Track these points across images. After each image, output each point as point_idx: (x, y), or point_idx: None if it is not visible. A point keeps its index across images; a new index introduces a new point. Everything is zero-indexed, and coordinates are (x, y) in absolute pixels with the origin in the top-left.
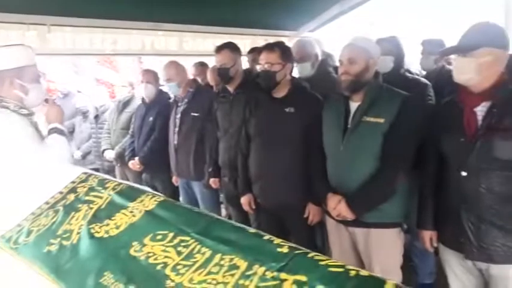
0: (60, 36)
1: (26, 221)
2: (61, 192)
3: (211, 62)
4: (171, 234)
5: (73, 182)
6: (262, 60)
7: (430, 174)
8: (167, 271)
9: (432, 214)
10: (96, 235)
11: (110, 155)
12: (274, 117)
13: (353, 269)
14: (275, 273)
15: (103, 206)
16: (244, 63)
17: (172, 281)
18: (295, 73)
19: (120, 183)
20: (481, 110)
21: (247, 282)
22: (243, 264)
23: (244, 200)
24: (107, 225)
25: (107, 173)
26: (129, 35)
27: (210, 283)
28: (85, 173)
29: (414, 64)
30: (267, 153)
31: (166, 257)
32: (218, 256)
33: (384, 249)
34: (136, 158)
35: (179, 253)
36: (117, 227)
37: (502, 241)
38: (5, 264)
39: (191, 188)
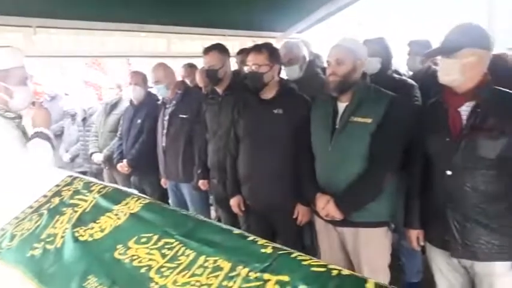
0: (47, 38)
1: (9, 225)
2: (45, 196)
3: (200, 63)
4: (155, 237)
5: (58, 186)
6: (249, 62)
7: (416, 174)
8: (151, 274)
9: (418, 213)
10: (81, 238)
11: (98, 158)
12: (263, 118)
13: (335, 269)
14: (258, 274)
15: (88, 209)
16: (233, 64)
17: (156, 283)
18: (284, 76)
19: (106, 186)
20: (465, 110)
21: (230, 284)
22: (226, 266)
23: (234, 202)
24: (92, 228)
25: (95, 176)
26: (117, 36)
27: (193, 285)
28: (70, 176)
29: (403, 65)
30: (255, 154)
31: (150, 259)
32: (202, 258)
33: (372, 249)
34: (125, 161)
35: (163, 255)
36: (102, 230)
37: (487, 239)
38: None
39: (180, 190)
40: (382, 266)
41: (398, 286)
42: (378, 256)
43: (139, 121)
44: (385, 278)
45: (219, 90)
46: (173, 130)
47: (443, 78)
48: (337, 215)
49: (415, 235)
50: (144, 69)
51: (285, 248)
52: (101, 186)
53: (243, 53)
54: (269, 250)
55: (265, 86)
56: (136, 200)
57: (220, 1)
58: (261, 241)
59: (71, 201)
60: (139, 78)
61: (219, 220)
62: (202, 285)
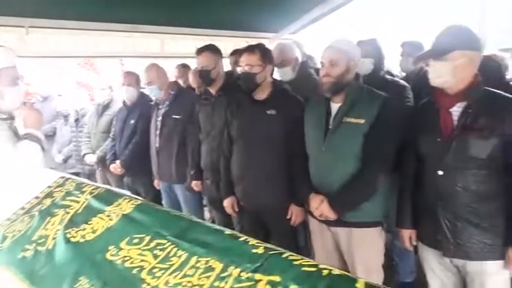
0: (40, 38)
1: (1, 227)
2: (37, 197)
3: (194, 64)
4: (147, 238)
5: (49, 187)
6: (242, 62)
7: (409, 174)
8: (143, 275)
9: (411, 213)
10: (72, 240)
11: (91, 159)
12: (256, 119)
13: (326, 268)
14: (250, 274)
15: (80, 211)
16: (227, 65)
17: (148, 284)
18: (277, 77)
19: (98, 187)
20: (456, 110)
21: (222, 284)
22: (218, 266)
23: (227, 203)
24: (84, 229)
25: (88, 177)
26: (110, 37)
27: (185, 286)
28: (62, 177)
29: (396, 66)
30: (249, 155)
31: (142, 260)
32: (194, 259)
33: (366, 249)
34: (118, 162)
35: (155, 256)
36: (94, 231)
37: (478, 238)
38: None
39: (173, 191)
40: (376, 266)
41: (391, 286)
42: (372, 256)
43: (132, 122)
44: (378, 277)
45: (212, 90)
46: (166, 131)
47: (435, 80)
48: (331, 215)
49: (407, 235)
50: (137, 70)
51: (276, 248)
52: (93, 187)
53: (236, 53)
54: (260, 250)
55: (258, 87)
56: (129, 201)
57: (214, 2)
58: (252, 241)
59: (63, 203)
60: (132, 78)
61: (213, 221)
62: (194, 285)
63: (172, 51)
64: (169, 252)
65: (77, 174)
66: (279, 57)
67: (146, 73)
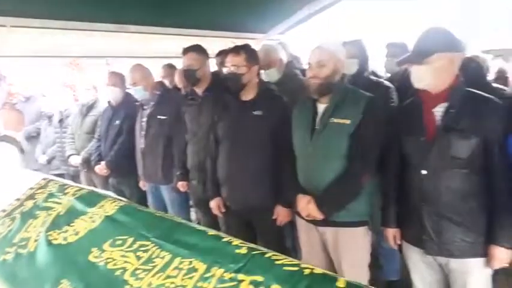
0: (23, 38)
1: None
2: (18, 199)
3: (181, 64)
4: (130, 239)
5: (32, 188)
6: (228, 63)
7: (392, 173)
8: (126, 276)
9: (395, 212)
10: (54, 242)
11: (76, 160)
12: (242, 120)
13: (307, 268)
14: (233, 275)
15: (62, 212)
16: (214, 66)
17: (131, 286)
18: (263, 79)
19: (81, 189)
20: (438, 110)
21: (205, 285)
22: (201, 267)
23: (214, 204)
24: (66, 231)
25: (72, 178)
26: (95, 37)
27: (168, 287)
28: (45, 179)
29: (382, 67)
30: (235, 156)
31: (125, 262)
32: (177, 260)
33: (352, 248)
34: (103, 163)
35: (139, 258)
36: (76, 234)
37: (461, 236)
38: None
39: (159, 192)
40: (363, 265)
41: (377, 285)
42: (358, 255)
43: (117, 122)
44: (365, 277)
45: (199, 91)
46: (152, 131)
47: (417, 84)
48: (318, 215)
49: (391, 234)
50: (123, 70)
51: (259, 248)
52: (76, 188)
53: (222, 54)
54: (243, 250)
55: (244, 87)
56: (112, 203)
57: (202, 2)
58: (235, 242)
59: (45, 204)
60: (118, 79)
61: (199, 222)
62: (177, 286)
63: (159, 51)
64: (152, 254)
65: (61, 175)
66: (264, 59)
67: (131, 73)
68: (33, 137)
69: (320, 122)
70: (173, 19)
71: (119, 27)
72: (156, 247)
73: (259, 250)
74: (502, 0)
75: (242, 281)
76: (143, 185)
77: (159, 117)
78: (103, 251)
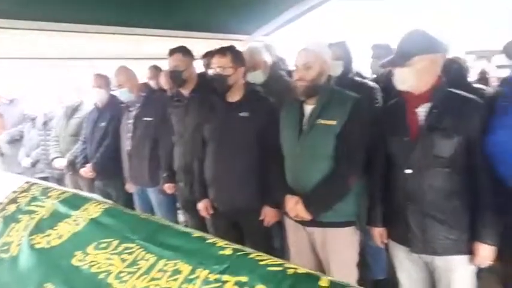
0: (6, 39)
1: None
2: (1, 203)
3: (167, 65)
4: (115, 242)
5: (14, 192)
6: (214, 65)
7: (378, 173)
8: (110, 279)
9: (381, 212)
10: (37, 246)
11: (61, 163)
12: (229, 121)
13: (291, 267)
14: (218, 276)
15: (46, 216)
16: (200, 67)
17: None
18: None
19: (65, 192)
20: (421, 110)
21: (190, 286)
22: (186, 269)
23: (201, 206)
24: (49, 235)
25: (57, 181)
26: (80, 38)
27: None
28: (27, 182)
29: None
30: (221, 157)
31: (110, 265)
32: (162, 262)
33: (341, 248)
34: (88, 165)
35: (123, 260)
36: (60, 237)
37: (445, 234)
38: None
39: (146, 195)
40: (351, 264)
41: (364, 284)
42: (346, 255)
43: (103, 124)
44: (353, 276)
45: (185, 92)
46: (138, 133)
47: (400, 86)
48: (306, 216)
49: (378, 233)
50: (108, 72)
51: (243, 248)
52: (60, 191)
53: (209, 55)
54: (228, 252)
55: (230, 89)
56: (97, 205)
57: (187, 3)
58: (220, 243)
59: (28, 208)
60: (103, 80)
61: (187, 224)
62: None
63: (144, 52)
64: (137, 256)
65: (45, 178)
66: (248, 61)
67: (116, 76)
68: (17, 140)
69: (307, 123)
70: (159, 20)
71: (105, 29)
72: (141, 249)
73: (244, 251)
74: (485, 2)
75: (227, 281)
76: (129, 187)
77: (145, 119)
78: (87, 254)
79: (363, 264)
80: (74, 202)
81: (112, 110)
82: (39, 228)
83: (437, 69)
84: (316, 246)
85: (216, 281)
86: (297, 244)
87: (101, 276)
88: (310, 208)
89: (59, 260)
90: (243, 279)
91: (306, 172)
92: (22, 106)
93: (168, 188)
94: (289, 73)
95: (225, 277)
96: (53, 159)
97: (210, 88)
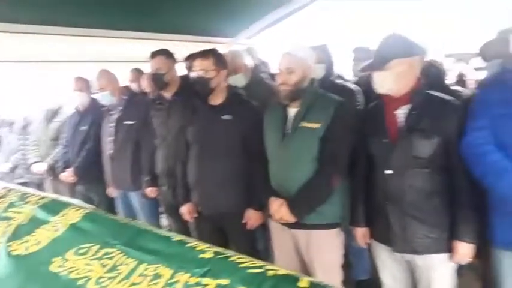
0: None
1: None
2: None
3: (148, 69)
4: (95, 247)
5: None
6: (196, 67)
7: (360, 174)
8: (89, 285)
9: (363, 212)
10: (14, 253)
11: (39, 168)
12: (212, 124)
13: (271, 269)
14: (198, 279)
15: (24, 222)
16: (182, 70)
17: None
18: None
19: (44, 197)
20: (400, 112)
21: None
22: (167, 273)
23: (184, 209)
24: (27, 241)
25: (37, 186)
26: (60, 41)
27: None
28: (5, 188)
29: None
30: (205, 160)
31: (89, 270)
32: (143, 266)
33: (325, 250)
34: (69, 170)
35: (103, 266)
36: (38, 243)
37: (425, 233)
38: None
39: (129, 199)
40: (335, 266)
41: (348, 284)
42: (331, 257)
43: (84, 128)
44: (337, 277)
45: (167, 95)
46: (120, 137)
47: (379, 89)
48: (290, 219)
49: (360, 233)
50: (88, 75)
51: (225, 251)
52: (39, 197)
53: (191, 58)
54: (208, 255)
55: (212, 92)
56: (77, 210)
57: (169, 6)
58: (200, 246)
59: (5, 214)
60: (83, 84)
61: (171, 229)
62: None
63: (126, 55)
64: (117, 261)
65: (25, 184)
66: (229, 65)
67: (97, 79)
68: None
69: (291, 126)
70: (139, 23)
71: (86, 32)
72: (122, 254)
73: (224, 254)
74: (463, 6)
75: (207, 285)
76: (111, 191)
77: (127, 122)
78: (66, 260)
79: (346, 265)
80: (53, 207)
81: (93, 113)
82: (16, 234)
83: (415, 72)
84: (301, 248)
85: (197, 284)
86: (282, 246)
87: (80, 282)
88: (294, 211)
89: (37, 267)
90: (224, 282)
91: (290, 175)
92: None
93: (151, 191)
94: (272, 76)
95: (205, 280)
96: (31, 164)
97: (192, 91)
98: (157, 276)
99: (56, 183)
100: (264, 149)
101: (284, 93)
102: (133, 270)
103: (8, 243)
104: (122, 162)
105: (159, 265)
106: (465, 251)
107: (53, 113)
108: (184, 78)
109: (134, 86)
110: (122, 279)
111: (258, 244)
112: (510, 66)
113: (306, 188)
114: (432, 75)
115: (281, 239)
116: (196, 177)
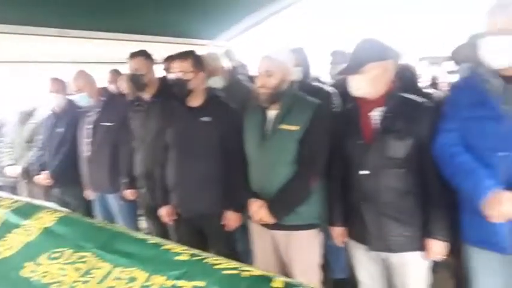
0: None
1: None
2: None
3: (126, 70)
4: (69, 252)
5: None
6: (175, 69)
7: (335, 175)
8: None
9: (340, 212)
10: None
11: (14, 170)
12: (191, 126)
13: (246, 270)
14: (174, 282)
15: None
16: (160, 71)
17: None
18: None
19: (17, 201)
20: (374, 114)
21: None
22: (142, 276)
23: (163, 212)
24: None
25: (12, 190)
26: (37, 42)
27: None
28: None
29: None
30: (184, 162)
31: (63, 275)
32: (118, 270)
33: (304, 250)
34: (44, 172)
35: (77, 270)
36: (10, 248)
37: (399, 231)
38: None
39: (106, 201)
40: (314, 266)
41: (325, 283)
42: (309, 257)
43: (60, 130)
44: (316, 277)
45: (145, 96)
46: (98, 139)
47: (355, 92)
48: (270, 220)
49: (337, 232)
50: (63, 76)
51: (201, 253)
52: (12, 200)
53: (169, 60)
54: (184, 257)
55: (190, 93)
56: (52, 214)
57: (148, 7)
58: (176, 248)
59: None
60: (60, 85)
61: (151, 231)
62: None
63: (104, 56)
64: (91, 265)
65: None
66: (207, 67)
67: (74, 80)
68: None
69: (270, 128)
70: (117, 24)
71: (62, 32)
72: (96, 258)
73: (200, 256)
74: (437, 12)
75: (183, 287)
76: (88, 194)
77: (104, 123)
78: (39, 264)
79: (323, 264)
80: (27, 211)
81: (70, 115)
82: None
83: (390, 75)
84: (280, 249)
85: (173, 286)
86: (261, 247)
87: (53, 286)
88: (273, 212)
89: (8, 272)
90: (200, 284)
91: (269, 177)
92: None
93: (129, 193)
94: (251, 78)
95: (181, 283)
96: (5, 167)
97: (171, 93)
98: (132, 279)
99: (31, 186)
100: (243, 151)
101: (263, 96)
102: (108, 274)
103: None
104: (99, 165)
105: (134, 268)
106: (438, 248)
107: (27, 115)
108: (163, 80)
109: (112, 87)
110: (97, 283)
111: (237, 245)
112: (479, 70)
113: (285, 190)
114: (406, 79)
115: (261, 240)
116: (175, 179)
